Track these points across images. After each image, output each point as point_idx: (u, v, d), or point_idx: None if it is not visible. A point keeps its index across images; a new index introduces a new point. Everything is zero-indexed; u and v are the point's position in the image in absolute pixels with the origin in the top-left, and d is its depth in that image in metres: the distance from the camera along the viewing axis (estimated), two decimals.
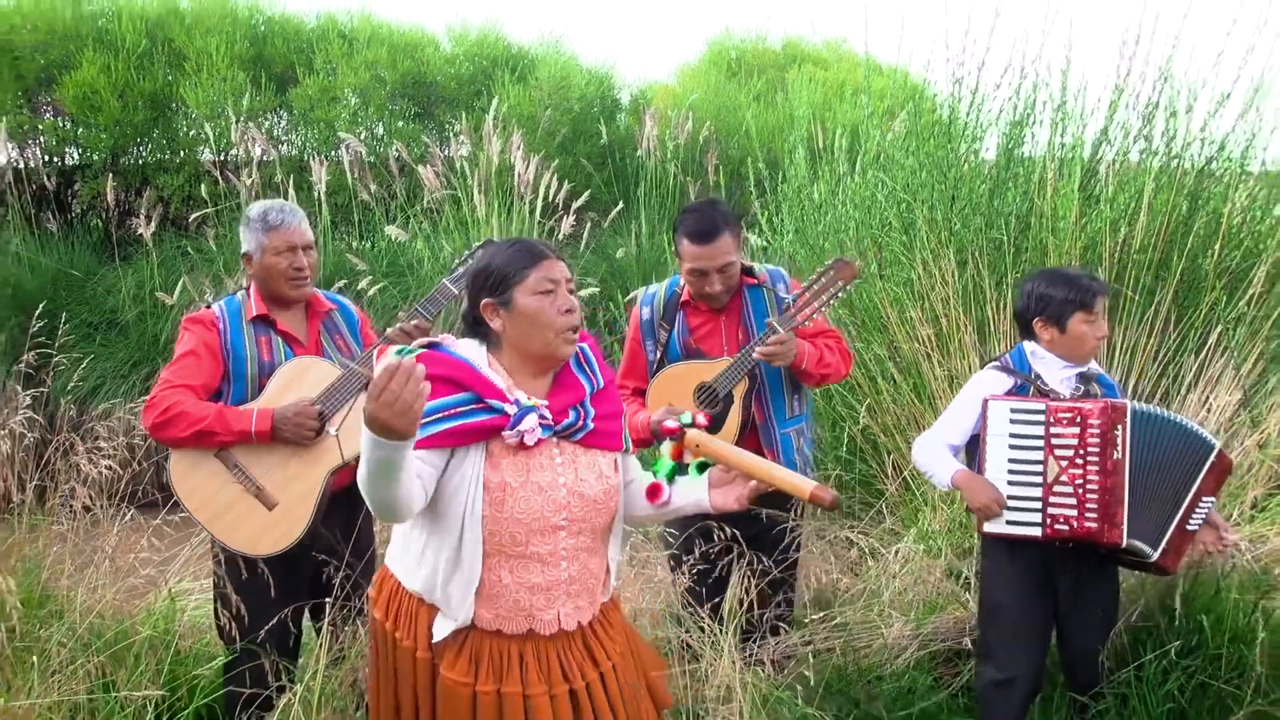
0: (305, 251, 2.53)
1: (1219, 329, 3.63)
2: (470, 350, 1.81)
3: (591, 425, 1.82)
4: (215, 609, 2.54)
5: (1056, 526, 2.44)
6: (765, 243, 5.26)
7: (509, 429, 1.72)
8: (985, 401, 2.48)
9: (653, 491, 1.88)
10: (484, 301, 1.80)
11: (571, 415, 1.79)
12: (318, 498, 2.43)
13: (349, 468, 2.47)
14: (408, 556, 1.82)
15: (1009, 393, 2.52)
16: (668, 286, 2.80)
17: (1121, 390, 2.66)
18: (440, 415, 1.71)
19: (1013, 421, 2.45)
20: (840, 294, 2.64)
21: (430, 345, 1.79)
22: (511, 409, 1.72)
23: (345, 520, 2.56)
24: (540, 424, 1.74)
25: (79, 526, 3.01)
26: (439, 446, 1.70)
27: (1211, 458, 2.47)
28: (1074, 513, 2.42)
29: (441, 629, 1.77)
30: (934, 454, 2.57)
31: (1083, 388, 2.54)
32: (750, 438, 2.69)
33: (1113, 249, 3.84)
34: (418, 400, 1.43)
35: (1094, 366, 2.62)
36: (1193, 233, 3.93)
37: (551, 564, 1.77)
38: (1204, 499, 2.48)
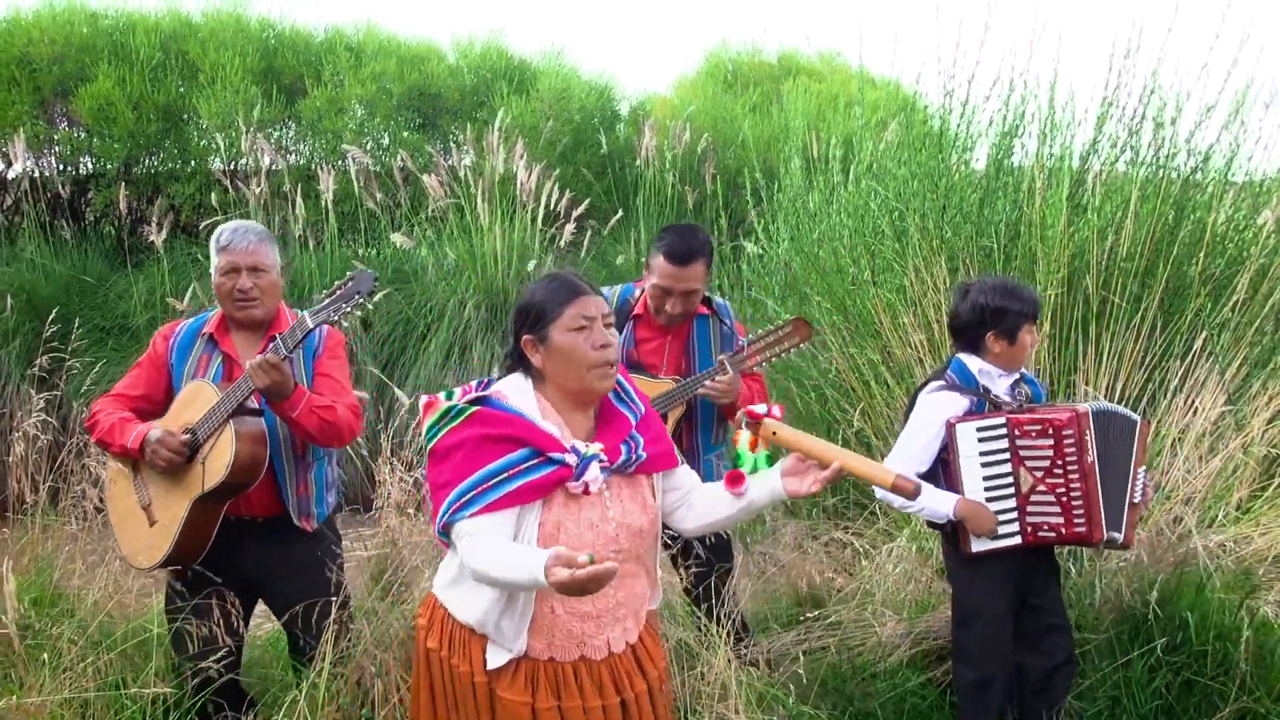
0: (253, 273, 2.44)
1: (1204, 335, 3.69)
2: (516, 389, 1.82)
3: (644, 455, 1.83)
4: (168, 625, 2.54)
5: (1040, 534, 2.50)
6: (761, 250, 5.34)
7: (574, 480, 1.74)
8: (951, 426, 2.49)
9: (734, 479, 1.86)
10: (525, 338, 1.81)
11: (624, 451, 1.80)
12: (180, 523, 2.35)
13: (271, 496, 2.45)
14: (460, 590, 1.82)
15: (967, 411, 2.53)
16: (620, 293, 2.83)
17: (1044, 390, 2.73)
18: (505, 476, 1.70)
19: (980, 440, 2.49)
20: (792, 350, 2.71)
21: (479, 400, 1.77)
22: (572, 459, 1.73)
23: (274, 554, 2.50)
24: (603, 466, 1.76)
25: (90, 527, 3.07)
26: (509, 507, 1.71)
27: (1138, 429, 2.55)
28: (1060, 520, 2.48)
29: (495, 658, 1.78)
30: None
31: (1019, 391, 2.60)
32: None
33: (1100, 257, 3.91)
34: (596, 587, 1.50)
35: (1021, 370, 2.66)
36: (1178, 241, 3.99)
37: (602, 594, 1.73)
38: (1139, 469, 2.55)
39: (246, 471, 2.34)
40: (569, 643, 1.79)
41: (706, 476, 2.74)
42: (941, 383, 2.59)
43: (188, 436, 2.37)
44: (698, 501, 1.95)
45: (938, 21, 4.57)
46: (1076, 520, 2.47)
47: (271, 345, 2.35)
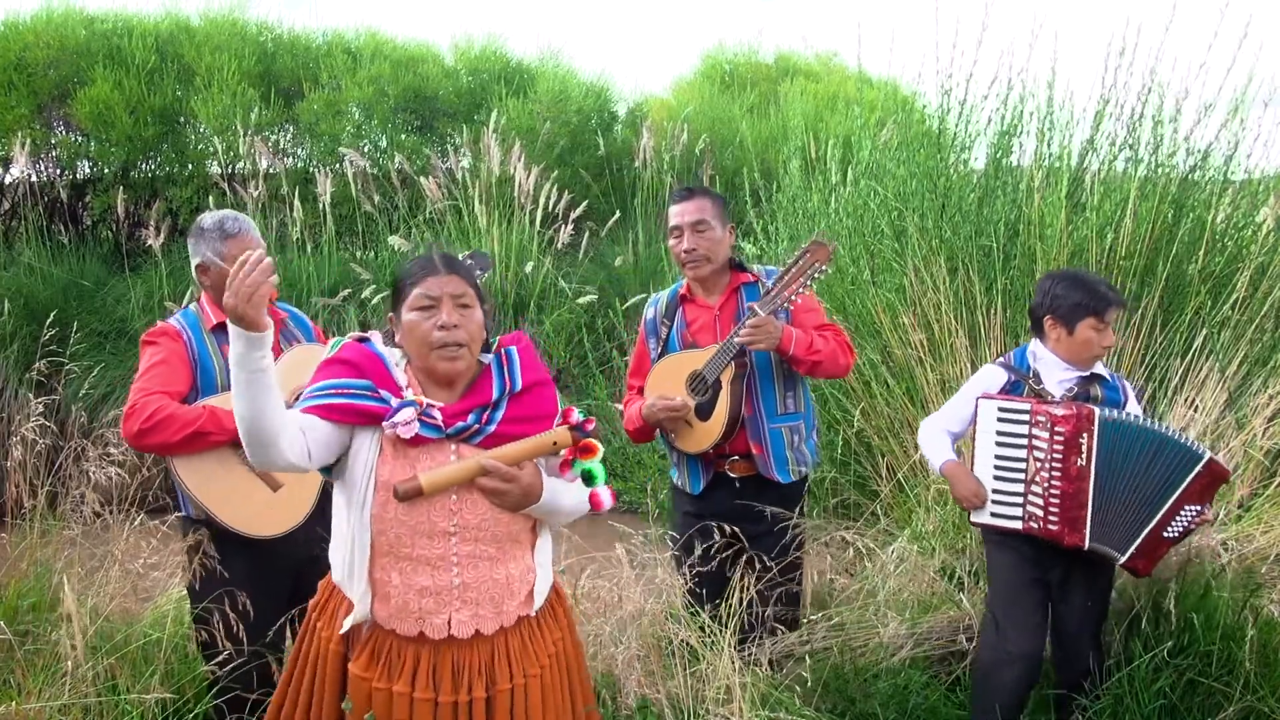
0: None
1: (1204, 333, 3.69)
2: (391, 355, 1.83)
3: (492, 429, 1.77)
4: (194, 620, 2.51)
5: (1030, 524, 2.52)
6: (760, 250, 5.33)
7: (386, 420, 1.72)
8: (978, 399, 2.57)
9: (593, 501, 1.87)
10: (389, 315, 1.86)
11: (470, 419, 1.76)
12: (320, 485, 2.42)
13: None
14: (334, 544, 1.85)
15: (1002, 389, 2.59)
16: (671, 290, 2.89)
17: (1123, 392, 2.65)
18: (331, 391, 1.74)
19: (999, 420, 2.53)
20: (819, 274, 2.61)
21: (361, 338, 1.82)
22: (395, 402, 1.73)
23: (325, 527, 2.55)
24: (426, 423, 1.73)
25: (89, 531, 3.06)
26: (323, 417, 1.72)
27: (1198, 468, 2.44)
28: (1041, 513, 2.50)
29: (347, 621, 1.79)
30: (934, 439, 2.67)
31: (1075, 390, 2.56)
32: (742, 430, 2.73)
33: (1099, 255, 3.91)
34: (261, 286, 1.53)
35: (1100, 369, 2.63)
36: (1177, 239, 4.00)
37: (441, 569, 1.75)
38: (1186, 507, 2.46)
39: None
40: (407, 616, 1.76)
41: (775, 446, 2.73)
42: (1002, 360, 2.68)
43: None
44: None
45: (935, 21, 4.58)
46: (1052, 516, 2.48)
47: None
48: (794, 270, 2.61)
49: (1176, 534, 2.50)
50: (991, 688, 2.62)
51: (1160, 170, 4.21)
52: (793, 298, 2.62)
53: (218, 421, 2.35)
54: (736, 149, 7.48)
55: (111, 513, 2.96)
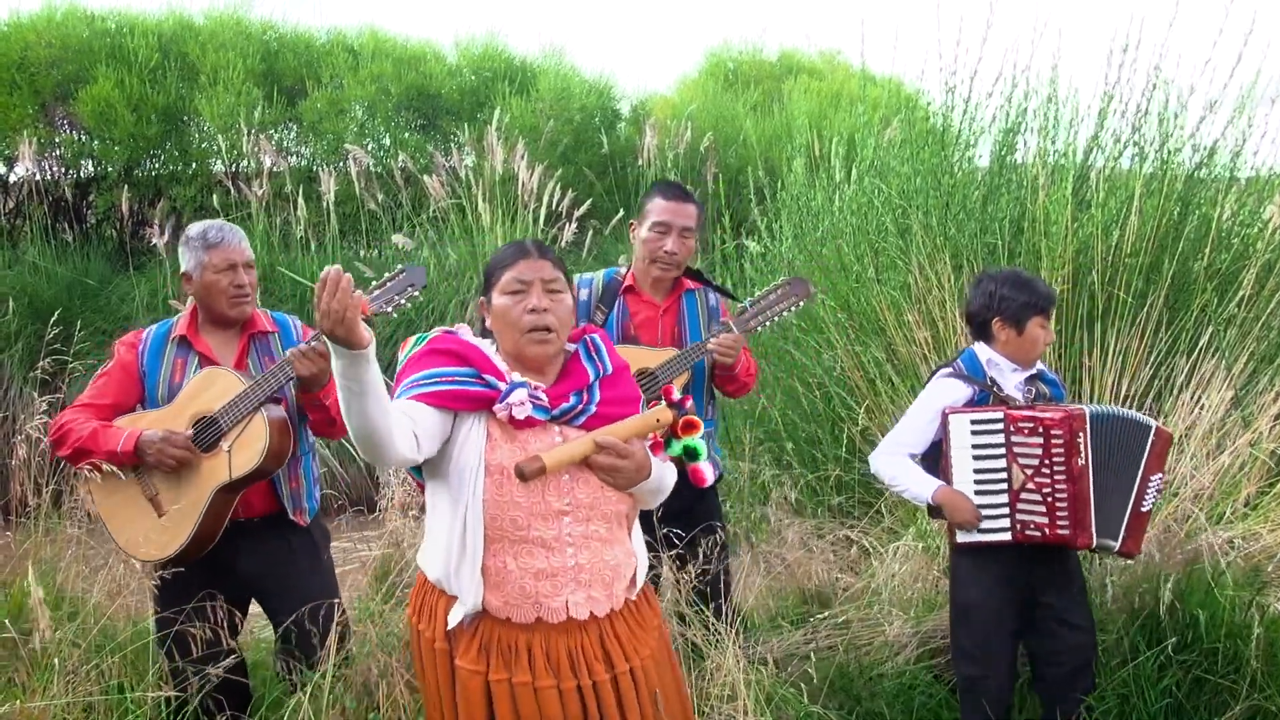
0: (246, 269, 2.46)
1: (1210, 330, 3.67)
2: (481, 343, 1.86)
3: (594, 410, 1.80)
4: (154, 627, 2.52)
5: (1028, 532, 2.48)
6: (764, 249, 5.33)
7: (499, 403, 1.73)
8: (945, 414, 2.49)
9: (695, 475, 1.91)
10: (480, 300, 1.88)
11: (572, 400, 1.79)
12: (200, 513, 2.34)
13: (266, 494, 2.45)
14: (427, 544, 1.85)
15: (968, 402, 2.53)
16: (606, 273, 2.86)
17: (1065, 390, 2.68)
18: (438, 379, 1.74)
19: (974, 433, 2.47)
20: (792, 310, 2.74)
21: (447, 332, 1.84)
22: (504, 386, 1.75)
23: (274, 554, 2.50)
24: (535, 404, 1.74)
25: (93, 530, 3.06)
26: (432, 404, 1.72)
27: (1151, 437, 2.49)
28: (1045, 520, 2.45)
29: (455, 615, 1.77)
30: (903, 468, 2.57)
31: (1032, 389, 2.57)
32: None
33: (1104, 252, 3.90)
34: (349, 309, 1.48)
35: (1040, 365, 2.64)
36: (1183, 237, 3.98)
37: (557, 550, 1.75)
38: (1152, 477, 2.50)
39: (275, 459, 2.36)
40: (524, 601, 1.75)
41: None
42: (950, 370, 2.60)
43: (190, 432, 2.36)
44: None
45: (939, 19, 4.57)
46: (1060, 522, 2.44)
47: (314, 334, 2.38)
48: (773, 298, 2.73)
49: (1149, 506, 2.52)
50: (979, 698, 2.58)
51: (1166, 167, 4.19)
52: (765, 324, 2.73)
53: (97, 442, 2.35)
54: (740, 147, 7.48)
55: None
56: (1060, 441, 2.43)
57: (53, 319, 4.32)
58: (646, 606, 1.90)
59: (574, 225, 5.94)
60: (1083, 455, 2.43)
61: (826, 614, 3.16)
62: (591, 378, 1.83)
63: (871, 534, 3.55)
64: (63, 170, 7.13)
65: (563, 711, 1.74)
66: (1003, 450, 2.47)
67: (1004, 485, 2.47)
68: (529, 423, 1.75)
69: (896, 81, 6.65)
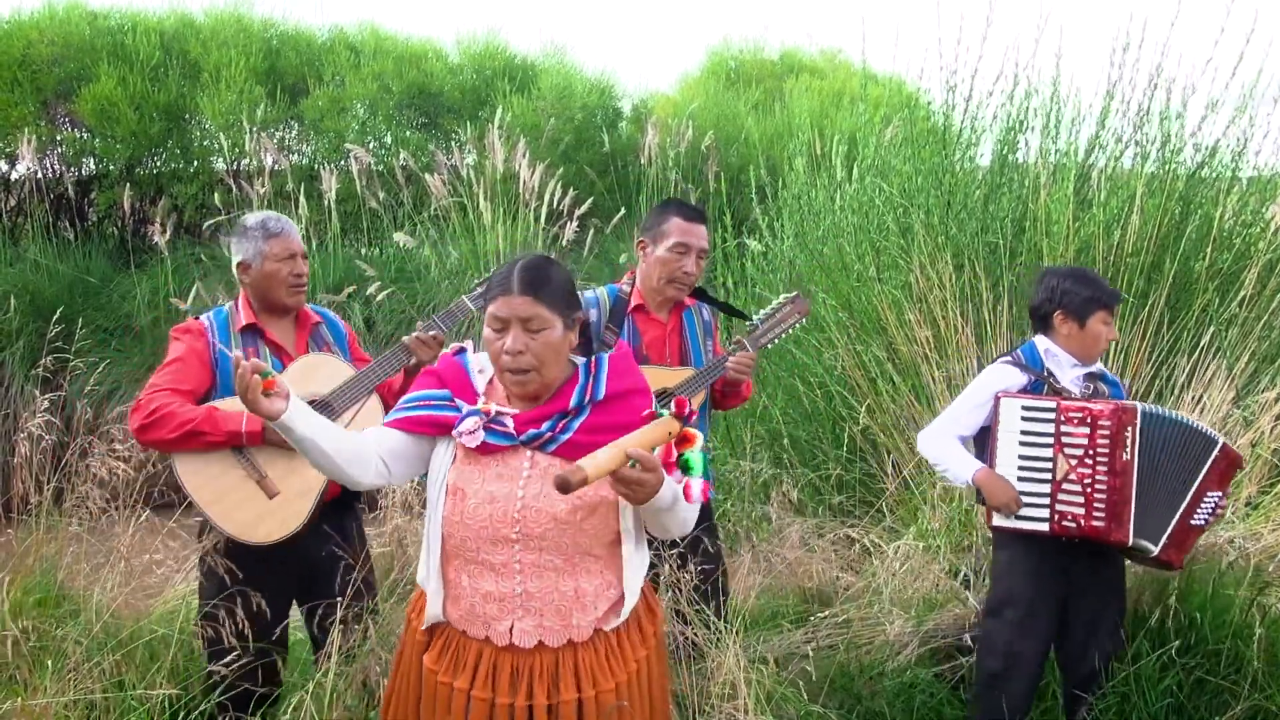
0: (302, 259, 2.55)
1: (1211, 330, 3.68)
2: (485, 360, 1.83)
3: (566, 437, 1.74)
4: (199, 615, 2.52)
5: (1064, 523, 2.48)
6: (765, 248, 5.33)
7: (455, 428, 1.74)
8: (998, 397, 2.51)
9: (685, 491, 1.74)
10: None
11: (544, 427, 1.74)
12: (318, 494, 2.41)
13: None
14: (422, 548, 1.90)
15: (1022, 390, 2.54)
16: (609, 291, 2.84)
17: (1125, 390, 2.68)
18: (414, 404, 1.80)
19: (1024, 419, 2.48)
20: (797, 325, 2.83)
21: (458, 351, 1.87)
22: (466, 409, 1.75)
23: (337, 528, 2.54)
24: (497, 430, 1.74)
25: (95, 527, 3.06)
26: (401, 429, 1.79)
27: (1215, 453, 2.47)
28: (1081, 511, 2.45)
29: (427, 616, 1.83)
30: (948, 448, 2.59)
31: (1091, 387, 2.56)
32: None
33: (1106, 252, 3.90)
34: (248, 390, 1.59)
35: (1100, 366, 2.64)
36: (1185, 236, 3.98)
37: (505, 575, 1.75)
38: (1209, 494, 2.48)
39: None
40: (474, 619, 1.78)
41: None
42: (1009, 358, 2.62)
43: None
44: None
45: (939, 18, 4.57)
46: (1096, 514, 2.44)
47: (426, 324, 2.55)
48: (779, 315, 2.82)
49: (1202, 522, 2.50)
50: (999, 696, 2.58)
51: (1167, 167, 4.19)
52: (774, 341, 2.81)
53: (214, 423, 2.35)
54: (742, 146, 7.47)
55: (117, 509, 2.96)
56: (1106, 433, 2.42)
57: (54, 317, 4.33)
58: (635, 636, 1.85)
59: (575, 224, 5.94)
60: (1128, 450, 2.43)
61: (827, 613, 3.16)
62: (573, 403, 1.77)
63: (872, 533, 3.55)
64: (64, 168, 7.13)
65: None
66: (1051, 440, 2.48)
67: (1048, 475, 2.48)
68: (489, 448, 1.75)
69: (898, 80, 6.66)
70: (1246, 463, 3.33)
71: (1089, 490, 2.45)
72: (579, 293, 2.85)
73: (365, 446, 1.76)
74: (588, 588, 1.78)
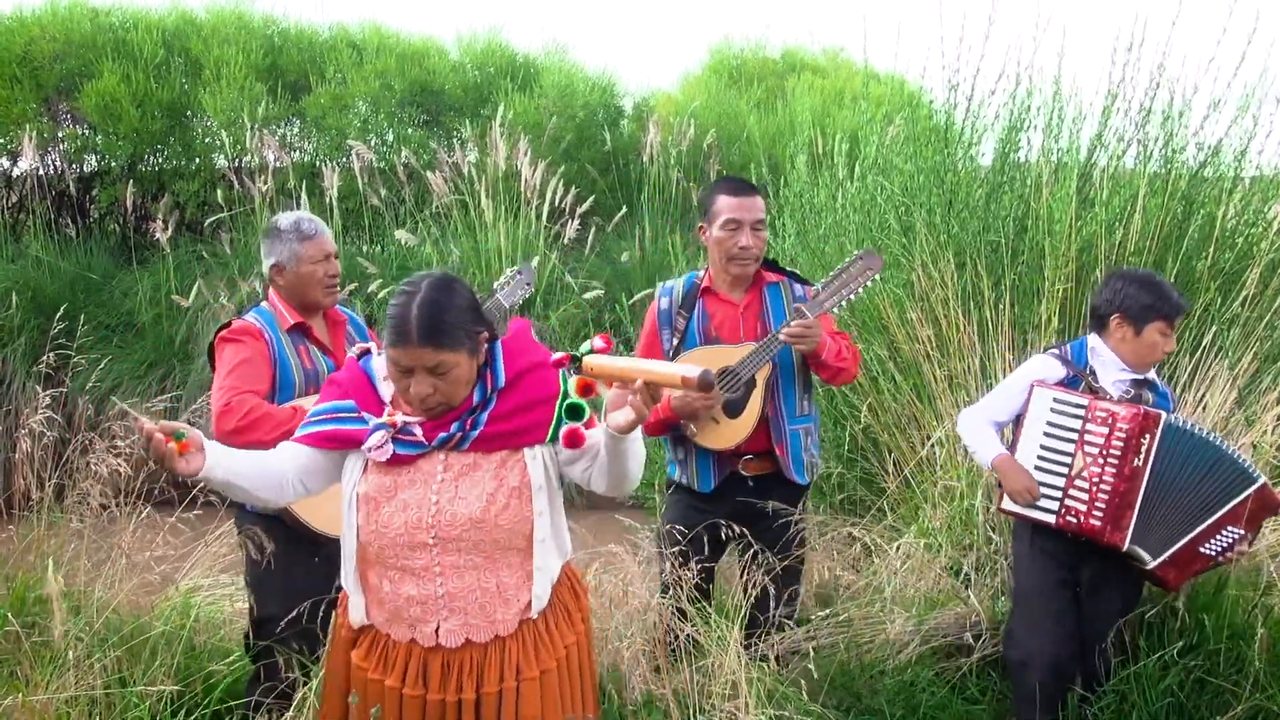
0: (335, 259, 2.63)
1: (1213, 329, 3.67)
2: (381, 369, 1.83)
3: (477, 433, 1.74)
4: (251, 605, 2.57)
5: (1067, 518, 2.49)
6: (767, 245, 5.32)
7: (363, 444, 1.74)
8: (1032, 385, 2.55)
9: (570, 438, 1.74)
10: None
11: (453, 428, 1.74)
12: None
13: None
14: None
15: (1059, 383, 2.56)
16: (686, 279, 2.85)
17: (1173, 402, 2.64)
18: (322, 417, 1.80)
19: (1053, 410, 2.50)
20: (867, 284, 2.69)
21: (363, 353, 1.87)
22: (374, 423, 1.75)
23: None
24: (408, 440, 1.73)
25: (96, 524, 3.06)
26: (309, 445, 1.80)
27: (1249, 490, 2.43)
28: (1084, 508, 2.47)
29: (353, 621, 1.85)
30: (980, 431, 2.63)
31: (1133, 392, 2.55)
32: (761, 430, 2.72)
33: (1108, 251, 3.89)
34: (164, 458, 1.62)
35: (1152, 374, 2.61)
36: (1187, 236, 3.98)
37: (426, 579, 1.75)
38: (1228, 527, 2.45)
39: None
40: (399, 622, 1.79)
41: (794, 448, 2.74)
42: (1055, 350, 2.64)
43: None
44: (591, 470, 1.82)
45: (941, 16, 4.55)
46: (1096, 512, 2.45)
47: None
48: (845, 277, 2.67)
49: (1214, 553, 2.47)
50: (1024, 684, 2.60)
51: (1169, 166, 4.18)
52: (841, 303, 2.67)
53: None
54: (743, 144, 7.46)
55: (118, 506, 2.97)
56: (1123, 436, 2.42)
57: (56, 314, 4.33)
58: (563, 622, 1.87)
59: (577, 222, 5.94)
60: (1141, 457, 2.42)
61: (828, 612, 3.15)
62: (476, 400, 1.76)
63: (874, 532, 3.54)
64: (66, 165, 7.13)
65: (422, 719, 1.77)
66: (1075, 435, 2.49)
67: (1065, 469, 2.49)
68: (400, 459, 1.75)
69: (900, 79, 6.64)
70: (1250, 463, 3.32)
71: (1094, 489, 2.45)
72: (659, 284, 2.85)
73: (280, 470, 1.79)
74: (509, 581, 1.79)
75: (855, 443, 4.09)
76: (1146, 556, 2.46)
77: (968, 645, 2.98)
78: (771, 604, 2.67)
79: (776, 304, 2.76)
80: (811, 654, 2.69)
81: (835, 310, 2.70)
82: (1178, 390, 3.58)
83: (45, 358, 3.97)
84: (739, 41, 9.80)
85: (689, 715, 2.40)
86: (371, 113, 7.26)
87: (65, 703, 2.33)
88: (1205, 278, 3.92)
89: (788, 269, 2.85)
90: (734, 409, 2.68)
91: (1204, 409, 3.46)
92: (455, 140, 7.24)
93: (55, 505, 3.23)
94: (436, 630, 1.77)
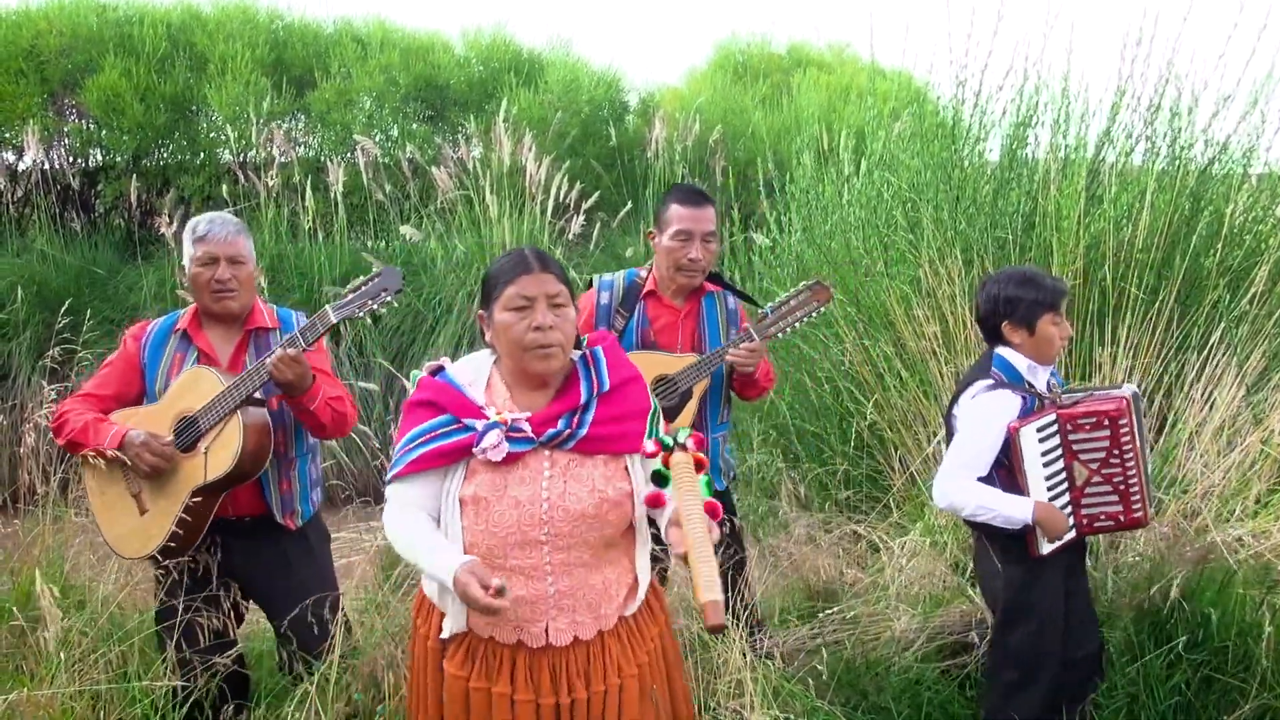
0: (232, 264, 2.41)
1: (1221, 327, 3.65)
2: (475, 363, 1.84)
3: (584, 432, 1.75)
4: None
5: (1097, 525, 2.48)
6: (772, 242, 5.31)
7: (475, 446, 1.72)
8: (1014, 431, 2.39)
9: (653, 501, 1.68)
10: (480, 313, 1.82)
11: (561, 424, 1.75)
12: (177, 514, 2.33)
13: (254, 496, 2.43)
14: None
15: (1022, 411, 2.43)
16: (626, 276, 2.83)
17: (1059, 376, 2.67)
18: (419, 440, 1.75)
19: (1040, 441, 2.42)
20: (813, 316, 2.72)
21: (435, 370, 1.84)
22: (481, 426, 1.73)
23: (265, 555, 2.50)
24: (518, 437, 1.72)
25: None
26: (420, 471, 1.75)
27: (1142, 404, 2.52)
28: (1119, 508, 2.45)
29: (446, 628, 1.81)
30: (986, 494, 2.43)
31: (1054, 385, 2.56)
32: None
33: (1116, 248, 3.87)
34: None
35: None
36: (1195, 232, 3.96)
37: (536, 578, 1.74)
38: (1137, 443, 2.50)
39: (252, 462, 2.33)
40: (505, 625, 1.76)
41: (713, 454, 2.79)
42: (990, 381, 2.46)
43: (171, 439, 2.36)
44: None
45: (949, 12, 4.51)
46: (1134, 506, 2.45)
47: (288, 338, 2.35)
48: (794, 304, 2.71)
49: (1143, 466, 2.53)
50: (1018, 704, 2.52)
51: (1178, 163, 4.17)
52: (786, 330, 2.71)
53: (87, 435, 2.37)
54: (749, 140, 7.45)
55: None
56: (1126, 428, 2.42)
57: (61, 308, 4.34)
58: (647, 617, 1.88)
59: (581, 218, 5.93)
60: (1138, 436, 2.44)
61: (834, 609, 3.15)
62: (584, 398, 1.78)
63: (879, 529, 3.54)
64: (70, 159, 7.13)
65: None
66: (1060, 452, 2.44)
67: (1065, 485, 2.46)
68: (511, 457, 1.73)
69: (906, 75, 6.62)
70: (1258, 461, 3.32)
71: (1123, 487, 2.44)
72: (595, 276, 2.86)
73: (429, 522, 1.76)
74: (613, 578, 1.80)
75: (860, 440, 4.08)
76: (1152, 512, 2.51)
77: (973, 643, 2.97)
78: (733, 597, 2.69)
79: (712, 315, 2.79)
80: (818, 652, 2.69)
81: (780, 336, 2.74)
82: (1185, 387, 3.57)
83: (50, 352, 3.97)
84: (744, 37, 9.79)
85: (695, 712, 2.39)
86: (376, 108, 7.26)
87: (69, 697, 2.33)
88: (1213, 275, 3.90)
89: (729, 284, 2.86)
90: (667, 417, 2.69)
91: (1212, 406, 3.44)
92: (460, 136, 7.23)
93: (60, 500, 3.24)
94: (546, 630, 1.76)
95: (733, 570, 2.73)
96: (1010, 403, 2.43)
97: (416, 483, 1.76)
